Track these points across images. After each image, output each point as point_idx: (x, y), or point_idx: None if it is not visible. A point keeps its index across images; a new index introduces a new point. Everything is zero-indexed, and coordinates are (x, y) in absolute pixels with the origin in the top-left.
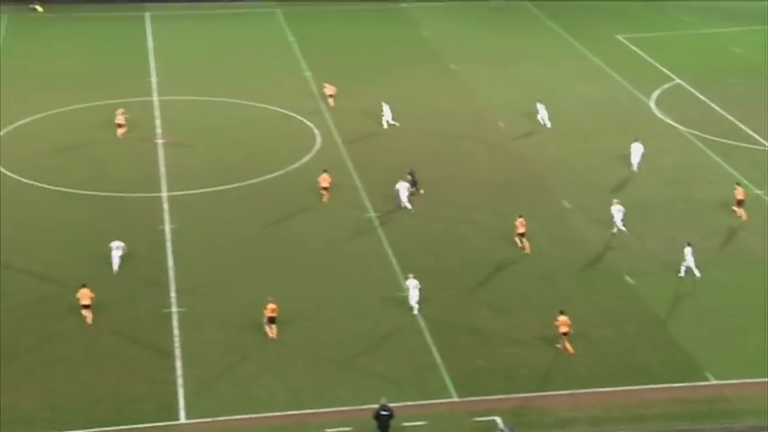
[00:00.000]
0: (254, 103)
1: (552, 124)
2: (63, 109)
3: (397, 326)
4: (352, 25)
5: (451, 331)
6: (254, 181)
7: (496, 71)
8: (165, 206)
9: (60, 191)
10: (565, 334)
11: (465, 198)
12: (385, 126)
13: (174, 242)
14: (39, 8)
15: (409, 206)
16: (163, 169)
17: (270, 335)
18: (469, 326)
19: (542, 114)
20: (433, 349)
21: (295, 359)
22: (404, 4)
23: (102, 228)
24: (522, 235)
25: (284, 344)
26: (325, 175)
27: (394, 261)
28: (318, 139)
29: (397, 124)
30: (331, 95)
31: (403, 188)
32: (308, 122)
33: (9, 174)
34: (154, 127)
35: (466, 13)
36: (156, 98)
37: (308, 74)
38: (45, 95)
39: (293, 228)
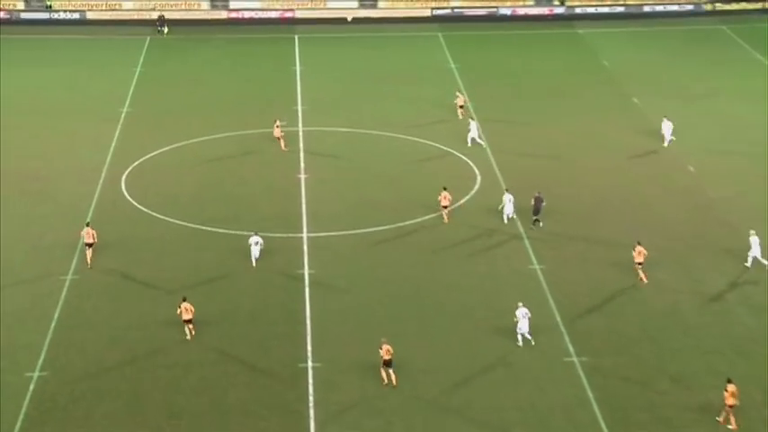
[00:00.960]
0: (407, 137)
1: (754, 169)
2: (202, 138)
3: (562, 396)
4: (521, 51)
5: (626, 405)
6: (402, 224)
7: (687, 106)
8: (305, 248)
9: (193, 228)
10: (731, 407)
11: (647, 251)
12: (469, 144)
13: (311, 288)
14: (165, 30)
15: (509, 218)
16: (304, 207)
17: (385, 380)
18: (647, 401)
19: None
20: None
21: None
22: (581, 30)
23: (234, 269)
24: (640, 264)
25: (439, 405)
26: (445, 193)
27: (561, 324)
28: (478, 179)
29: (483, 143)
30: (461, 106)
31: (509, 202)
32: (467, 159)
33: (141, 208)
34: (297, 160)
35: (652, 39)
36: (300, 128)
37: (471, 104)
38: (184, 123)
39: (446, 278)
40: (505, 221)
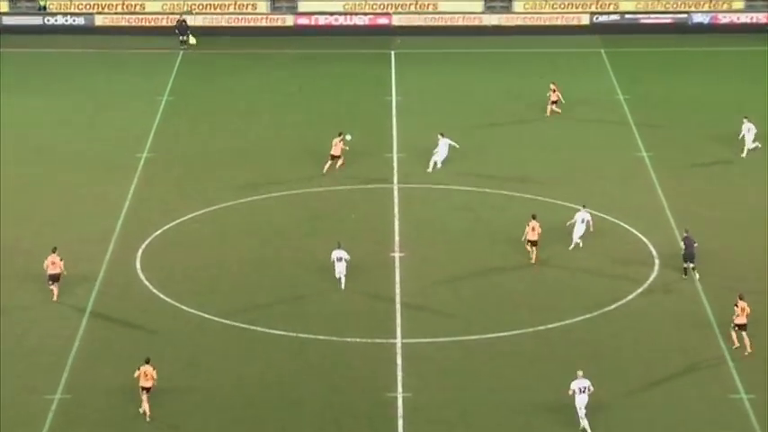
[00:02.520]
0: (548, 199)
1: None
2: (251, 198)
3: None
4: (723, 77)
5: None
6: (540, 328)
7: None
8: (399, 360)
9: (237, 327)
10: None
11: None
12: (429, 169)
13: (406, 411)
14: (191, 40)
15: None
16: (399, 302)
17: None
18: None
19: None
20: None
21: None
22: None
23: (296, 385)
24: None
25: None
26: (534, 223)
27: None
28: (656, 265)
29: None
30: (554, 102)
31: (580, 222)
32: (643, 237)
33: (163, 296)
34: (390, 231)
35: None
36: (396, 185)
37: (645, 155)
38: (226, 176)
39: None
40: (571, 247)
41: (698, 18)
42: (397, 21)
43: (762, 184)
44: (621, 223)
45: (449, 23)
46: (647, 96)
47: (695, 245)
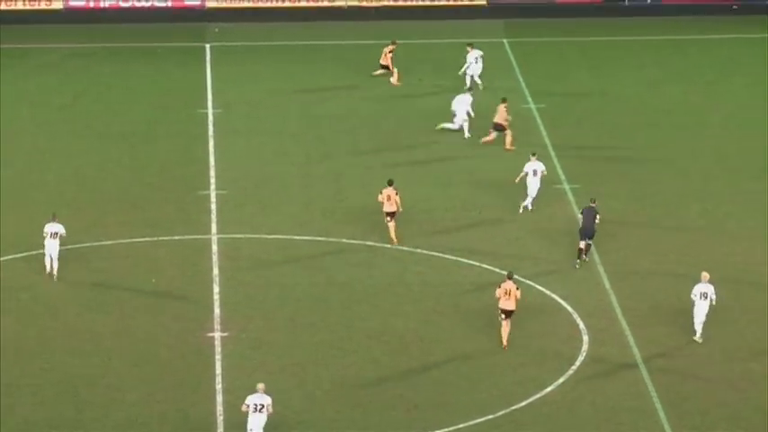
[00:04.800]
0: (435, 253)
1: None
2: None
3: None
4: (672, 75)
5: None
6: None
7: None
8: None
9: None
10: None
11: None
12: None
13: None
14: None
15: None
16: (220, 402)
17: None
18: None
19: None
20: None
21: None
22: None
23: None
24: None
25: None
26: (388, 191)
27: None
28: (585, 341)
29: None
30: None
31: (532, 175)
32: (567, 305)
33: None
34: (209, 302)
35: None
36: (214, 235)
37: (567, 187)
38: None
39: None
40: (521, 210)
41: None
42: (213, 1)
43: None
44: (536, 285)
45: (287, 5)
46: (567, 104)
47: (596, 219)
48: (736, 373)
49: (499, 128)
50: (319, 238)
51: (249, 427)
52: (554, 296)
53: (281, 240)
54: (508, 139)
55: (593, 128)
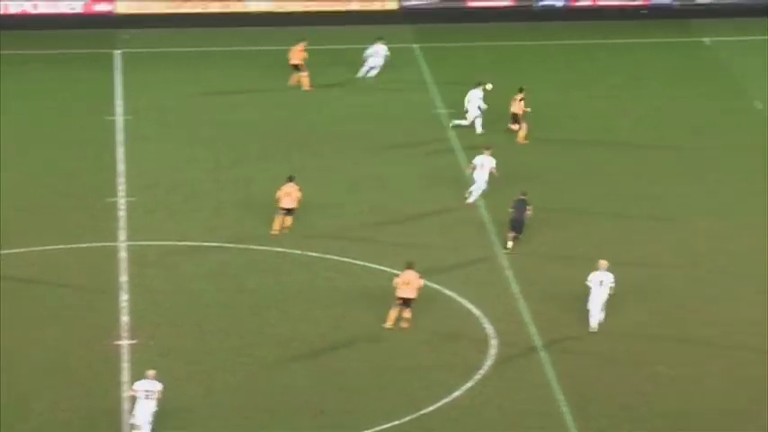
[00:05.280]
0: (346, 259)
1: None
2: None
3: None
4: (586, 81)
5: None
6: None
7: None
8: None
9: None
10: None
11: None
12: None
13: None
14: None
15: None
16: (127, 409)
17: None
18: None
19: None
20: None
21: None
22: (707, 39)
23: None
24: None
25: None
26: (288, 187)
27: None
28: (493, 345)
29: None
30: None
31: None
32: (476, 310)
33: None
34: (115, 310)
35: None
36: (123, 243)
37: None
38: None
39: None
40: (467, 197)
41: (549, 1)
42: (123, 8)
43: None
44: (446, 290)
45: (198, 11)
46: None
47: (528, 211)
48: (642, 377)
49: (516, 118)
50: (229, 245)
51: (135, 413)
52: (462, 300)
53: (190, 247)
54: (522, 132)
55: (504, 134)
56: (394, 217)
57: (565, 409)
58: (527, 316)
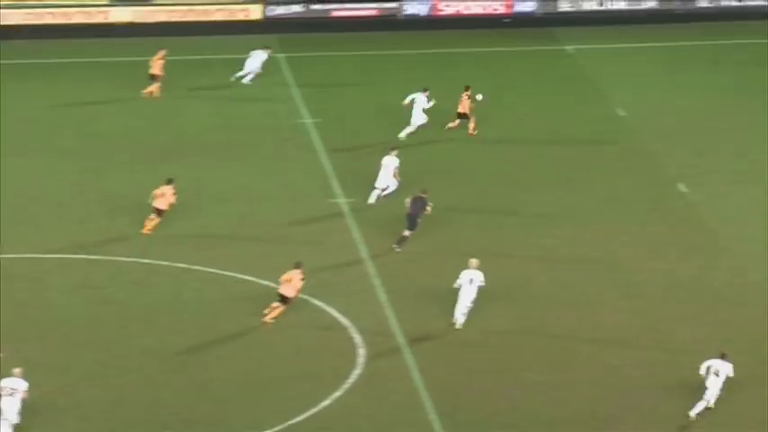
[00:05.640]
0: (215, 270)
1: None
2: None
3: None
4: (452, 89)
5: None
6: None
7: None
8: None
9: None
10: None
11: None
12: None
13: None
14: None
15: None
16: None
17: None
18: None
19: None
20: None
21: None
22: (570, 47)
23: None
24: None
25: None
26: (164, 189)
27: None
28: (361, 354)
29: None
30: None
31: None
32: (344, 319)
33: None
34: None
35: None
36: None
37: (343, 201)
38: None
39: None
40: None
41: (411, 9)
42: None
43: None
44: (313, 300)
45: (61, 21)
46: (343, 118)
47: (427, 209)
48: (509, 383)
49: (463, 116)
50: (95, 257)
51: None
52: (330, 310)
53: (56, 260)
54: (471, 125)
55: (369, 142)
56: (261, 227)
57: (433, 416)
58: (394, 324)
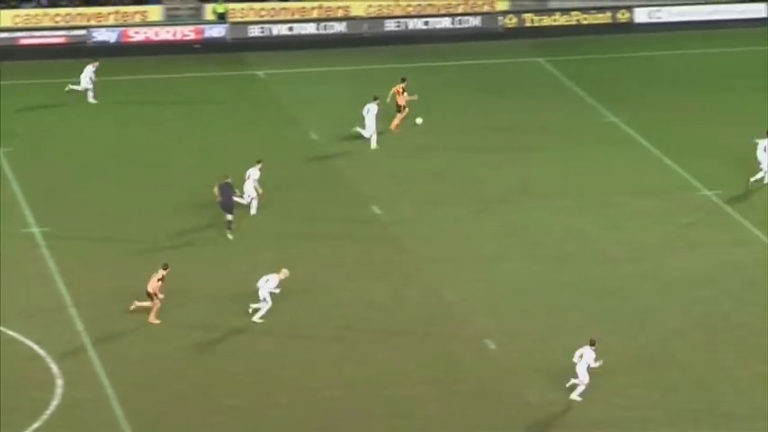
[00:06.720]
0: None
1: None
2: None
3: None
4: (137, 116)
5: None
6: None
7: None
8: None
9: None
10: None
11: None
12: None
13: None
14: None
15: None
16: None
17: None
18: None
19: None
20: None
21: None
22: (261, 72)
23: None
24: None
25: None
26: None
27: None
28: (59, 384)
29: None
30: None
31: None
32: (40, 350)
33: None
34: None
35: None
36: None
37: (37, 231)
38: None
39: None
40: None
41: (101, 36)
42: None
43: None
44: (9, 331)
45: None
46: (36, 147)
47: (234, 196)
48: (209, 408)
49: (399, 108)
50: None
51: None
52: (26, 341)
53: None
54: (396, 121)
55: (64, 170)
56: None
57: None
58: (92, 353)
